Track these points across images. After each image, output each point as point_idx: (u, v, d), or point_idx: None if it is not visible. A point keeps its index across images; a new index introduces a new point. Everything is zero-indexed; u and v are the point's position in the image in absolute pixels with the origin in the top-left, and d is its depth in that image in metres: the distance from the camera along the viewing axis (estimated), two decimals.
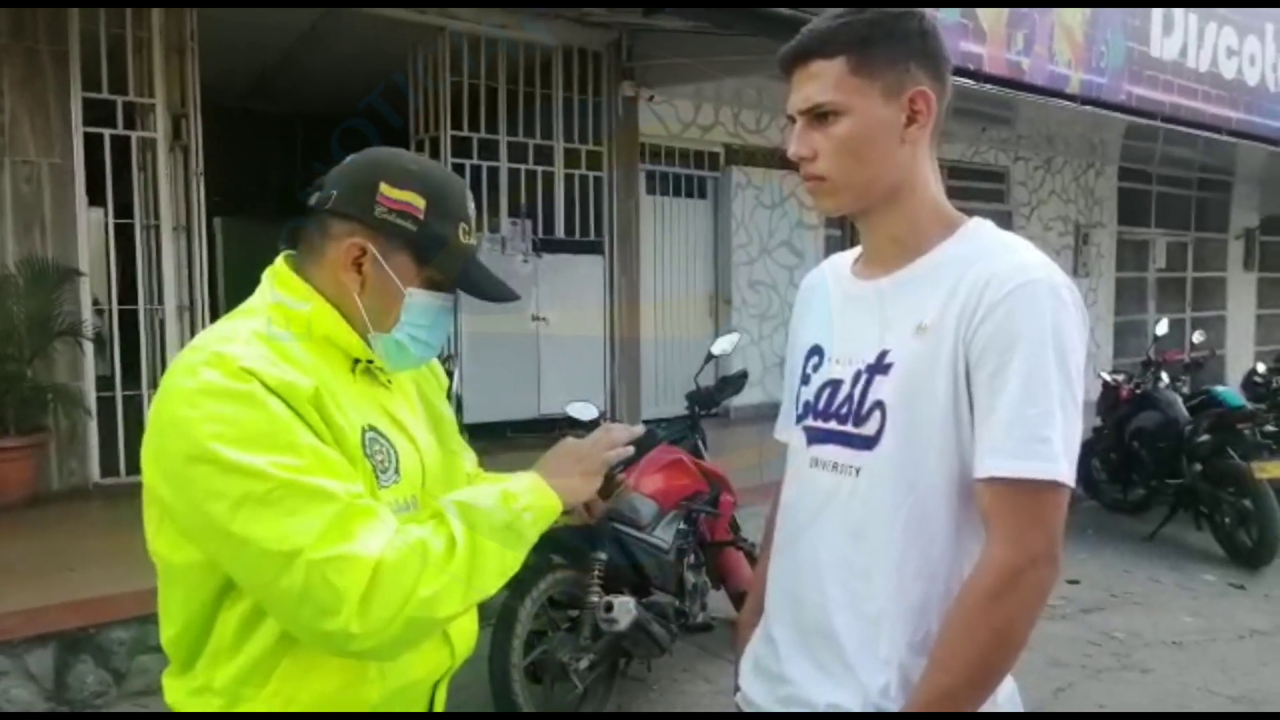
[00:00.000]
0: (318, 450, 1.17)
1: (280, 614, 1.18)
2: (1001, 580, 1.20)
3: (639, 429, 1.44)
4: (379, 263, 1.29)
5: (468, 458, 1.54)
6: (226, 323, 1.29)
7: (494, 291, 1.37)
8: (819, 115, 1.32)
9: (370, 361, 1.35)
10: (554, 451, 1.39)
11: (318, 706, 1.25)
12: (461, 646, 1.40)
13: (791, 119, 1.36)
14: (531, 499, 1.30)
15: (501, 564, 1.26)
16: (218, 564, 1.20)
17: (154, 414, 1.21)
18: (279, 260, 1.35)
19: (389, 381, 1.40)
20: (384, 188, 1.29)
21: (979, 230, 1.36)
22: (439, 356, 1.51)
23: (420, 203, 1.29)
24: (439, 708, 1.43)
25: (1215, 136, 9.45)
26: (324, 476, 1.15)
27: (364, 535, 1.14)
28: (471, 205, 1.37)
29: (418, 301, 1.32)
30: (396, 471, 1.29)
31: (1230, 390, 6.75)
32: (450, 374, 5.42)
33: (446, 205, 1.32)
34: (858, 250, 1.47)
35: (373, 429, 1.28)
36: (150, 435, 1.22)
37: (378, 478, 1.26)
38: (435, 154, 6.80)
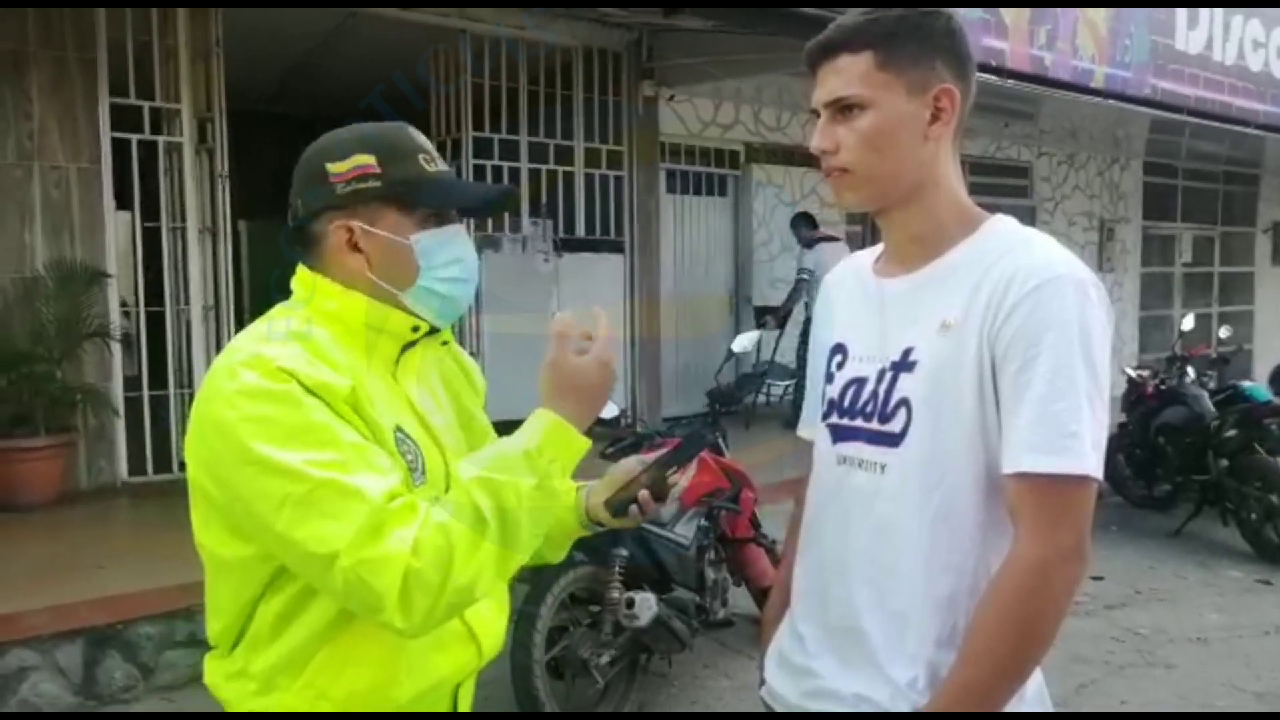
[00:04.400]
0: (358, 445, 1.19)
1: (337, 602, 1.21)
2: (1031, 575, 1.21)
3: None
4: (370, 232, 1.29)
5: None
6: (264, 323, 1.31)
7: (484, 198, 1.40)
8: (843, 109, 1.32)
9: (416, 329, 1.34)
10: (553, 380, 1.29)
11: (348, 703, 1.27)
12: (489, 645, 1.41)
13: (815, 113, 1.37)
14: (556, 449, 1.25)
15: (535, 526, 1.24)
16: (268, 557, 1.22)
17: (196, 415, 1.24)
18: (300, 269, 1.37)
19: (445, 341, 1.42)
20: (330, 166, 1.30)
21: (1001, 227, 1.36)
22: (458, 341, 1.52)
23: (368, 159, 1.29)
24: (463, 705, 1.43)
25: (1243, 130, 9.34)
26: (364, 472, 1.16)
27: (396, 535, 1.15)
28: (422, 137, 1.35)
29: (428, 244, 1.32)
30: (423, 473, 1.30)
31: (1257, 385, 6.69)
32: None
33: (395, 148, 1.31)
34: (879, 248, 1.47)
35: (400, 430, 1.29)
36: (193, 436, 1.24)
37: (410, 478, 1.27)
38: (457, 155, 6.83)
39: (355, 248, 1.30)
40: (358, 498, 1.15)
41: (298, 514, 1.14)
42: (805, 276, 7.75)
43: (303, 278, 1.35)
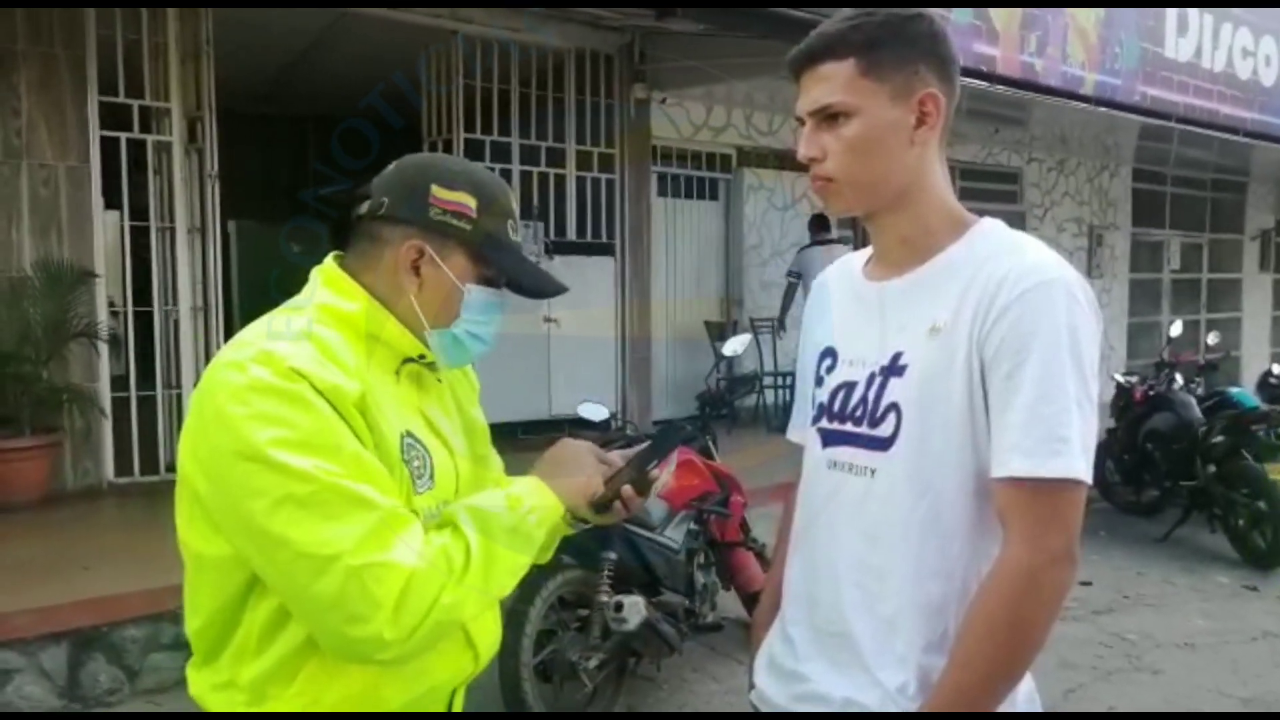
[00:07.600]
0: (360, 457, 1.18)
1: (307, 617, 1.19)
2: (1021, 579, 1.21)
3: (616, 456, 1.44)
4: (436, 263, 1.31)
5: (495, 463, 1.55)
6: (272, 319, 1.28)
7: (544, 287, 1.40)
8: (829, 117, 1.32)
9: (421, 358, 1.36)
10: (549, 455, 1.41)
11: (342, 709, 1.25)
12: (485, 651, 1.40)
13: (801, 121, 1.37)
14: (534, 501, 1.32)
15: (513, 566, 1.28)
16: (247, 560, 1.20)
17: (197, 407, 1.21)
18: (328, 260, 1.36)
19: (439, 379, 1.42)
20: (436, 190, 1.31)
21: (990, 230, 1.36)
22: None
23: (472, 202, 1.32)
24: (457, 711, 1.43)
25: (1230, 137, 9.40)
26: (364, 483, 1.16)
27: (400, 544, 1.16)
28: (516, 204, 1.39)
29: (476, 298, 1.34)
30: (431, 478, 1.30)
31: (1245, 391, 6.73)
32: None
33: (495, 204, 1.34)
34: (868, 252, 1.47)
35: (410, 434, 1.29)
36: (191, 428, 1.22)
37: (414, 483, 1.26)
38: None
39: (415, 270, 1.31)
40: (365, 504, 1.15)
41: (298, 514, 1.13)
42: (793, 279, 7.93)
43: (333, 276, 1.33)
